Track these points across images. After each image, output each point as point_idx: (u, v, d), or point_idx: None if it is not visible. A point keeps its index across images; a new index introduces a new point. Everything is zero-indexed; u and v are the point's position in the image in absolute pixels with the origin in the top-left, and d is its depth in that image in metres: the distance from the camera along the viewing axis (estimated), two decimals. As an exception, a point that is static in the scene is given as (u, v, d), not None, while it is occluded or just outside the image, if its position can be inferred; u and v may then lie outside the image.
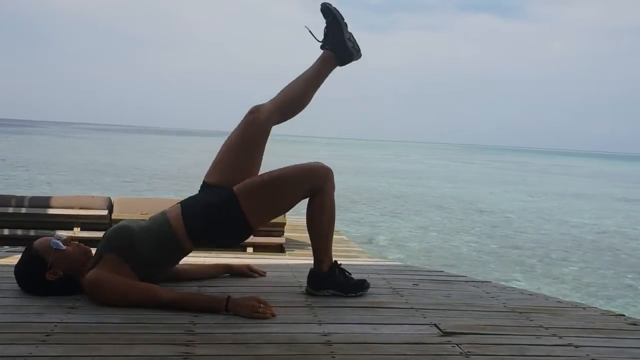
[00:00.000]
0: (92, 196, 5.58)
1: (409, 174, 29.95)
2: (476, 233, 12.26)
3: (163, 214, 2.30)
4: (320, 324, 2.02)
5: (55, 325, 1.89)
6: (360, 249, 6.05)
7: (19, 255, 2.30)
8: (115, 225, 2.28)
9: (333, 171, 2.36)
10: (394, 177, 27.21)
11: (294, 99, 2.42)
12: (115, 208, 5.23)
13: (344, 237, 6.69)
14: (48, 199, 5.35)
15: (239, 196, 2.22)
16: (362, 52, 2.47)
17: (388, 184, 23.08)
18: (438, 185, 23.57)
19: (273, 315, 2.07)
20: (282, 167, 2.31)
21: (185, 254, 2.29)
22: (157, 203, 5.49)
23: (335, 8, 2.44)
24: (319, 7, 2.47)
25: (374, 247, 9.73)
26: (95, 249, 2.24)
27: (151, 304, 2.10)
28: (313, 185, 2.28)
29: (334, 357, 1.71)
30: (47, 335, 1.79)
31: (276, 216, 2.40)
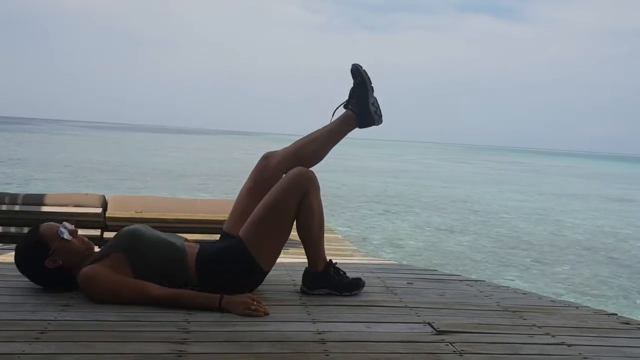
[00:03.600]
0: (86, 194, 5.55)
1: (404, 174, 29.99)
2: (470, 232, 12.29)
3: (182, 239, 2.33)
4: (314, 322, 2.02)
5: (50, 323, 1.88)
6: (355, 248, 6.05)
7: (12, 253, 2.29)
8: (131, 227, 2.27)
9: (316, 173, 2.36)
10: (389, 176, 27.24)
11: (307, 154, 2.45)
12: (109, 206, 5.22)
13: (339, 236, 6.70)
14: (42, 196, 5.33)
15: (244, 238, 2.26)
16: (383, 118, 2.49)
17: (383, 183, 23.10)
18: (433, 185, 23.62)
19: (266, 313, 2.07)
20: (267, 194, 2.31)
21: (185, 284, 2.24)
22: (152, 201, 5.49)
23: (365, 71, 2.46)
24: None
25: (369, 246, 9.75)
26: (97, 247, 2.24)
27: (144, 301, 2.10)
28: (301, 193, 2.29)
29: (327, 355, 1.72)
30: (41, 333, 1.79)
31: (283, 243, 2.36)
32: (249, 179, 2.44)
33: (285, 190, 2.28)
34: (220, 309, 2.08)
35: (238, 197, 2.45)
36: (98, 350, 1.67)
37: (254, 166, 2.47)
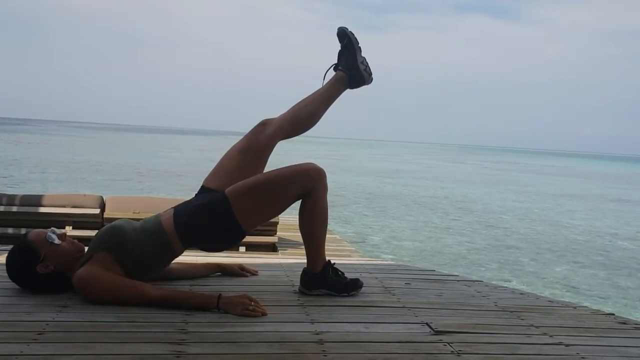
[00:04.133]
0: (84, 194, 5.55)
1: (402, 174, 30.00)
2: (468, 233, 12.30)
3: (156, 216, 2.31)
4: (312, 323, 2.02)
5: (47, 324, 1.88)
6: (353, 248, 6.06)
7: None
8: (108, 225, 2.28)
9: (326, 172, 2.36)
10: (387, 176, 27.25)
11: (303, 117, 2.45)
12: (107, 206, 5.22)
13: (337, 237, 6.70)
14: (40, 197, 5.32)
15: (230, 198, 2.22)
16: (373, 76, 2.50)
17: (382, 183, 23.11)
18: (431, 185, 23.63)
19: (264, 314, 2.07)
20: (274, 169, 2.31)
21: (176, 255, 2.29)
22: (150, 202, 5.49)
23: (351, 32, 2.48)
24: (340, 25, 2.50)
25: (367, 247, 9.75)
26: (87, 247, 2.23)
27: (141, 302, 2.09)
28: (305, 186, 2.28)
29: (325, 355, 1.72)
30: (39, 334, 1.79)
31: (269, 219, 2.39)
32: (242, 139, 2.41)
33: (293, 175, 2.27)
34: (218, 309, 2.08)
35: (227, 155, 2.40)
36: (96, 351, 1.67)
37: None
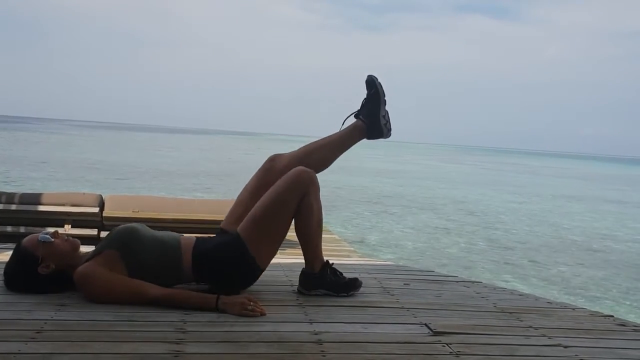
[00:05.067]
0: (84, 193, 5.55)
1: (401, 174, 30.01)
2: (467, 233, 12.30)
3: (178, 235, 2.32)
4: (311, 323, 2.02)
5: (46, 323, 1.88)
6: (352, 249, 6.06)
7: (9, 252, 2.29)
8: (127, 225, 2.27)
9: (323, 172, 2.36)
10: (386, 177, 27.26)
11: (315, 160, 2.45)
12: (106, 205, 5.21)
13: (336, 237, 6.70)
14: (39, 195, 5.32)
15: (242, 235, 2.25)
16: (392, 132, 2.51)
17: (381, 183, 23.11)
18: (430, 186, 23.63)
19: (263, 314, 2.07)
20: (267, 191, 2.30)
21: (180, 280, 2.26)
22: (149, 201, 5.49)
23: (380, 83, 2.48)
24: (365, 78, 2.49)
25: (366, 247, 9.75)
26: (91, 245, 2.23)
27: (140, 300, 2.09)
28: (300, 194, 2.29)
29: (324, 355, 1.72)
30: (37, 333, 1.78)
31: (281, 241, 2.37)
32: (253, 179, 2.44)
33: (286, 189, 2.27)
34: (217, 309, 2.08)
35: (240, 197, 2.44)
36: (94, 350, 1.66)
37: (258, 167, 2.46)
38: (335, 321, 2.06)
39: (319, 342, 1.82)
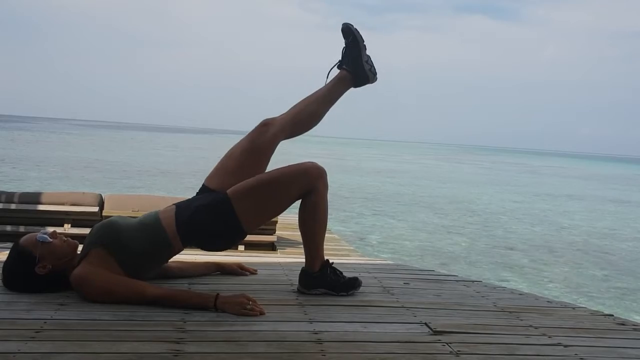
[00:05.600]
0: (83, 193, 5.55)
1: (401, 174, 30.01)
2: (467, 233, 12.30)
3: (156, 212, 2.29)
4: (311, 322, 2.02)
5: (45, 322, 1.88)
6: (352, 248, 6.07)
7: (8, 252, 2.28)
8: (105, 220, 2.27)
9: (326, 171, 2.35)
10: (386, 176, 27.26)
11: (305, 117, 2.43)
12: (106, 205, 5.22)
13: (336, 236, 6.70)
14: (38, 195, 5.32)
15: (232, 199, 2.21)
16: (377, 75, 2.48)
17: (380, 183, 23.11)
18: (430, 185, 23.64)
19: (262, 313, 2.06)
20: (275, 169, 2.30)
21: (174, 253, 2.28)
22: (148, 200, 5.48)
23: (356, 29, 2.45)
24: (340, 24, 2.47)
25: (366, 246, 9.75)
26: (82, 245, 2.23)
27: (139, 300, 2.09)
28: (306, 186, 2.27)
29: (324, 355, 1.72)
30: (37, 332, 1.78)
31: (270, 218, 2.38)
32: (244, 140, 2.38)
33: (294, 174, 2.26)
34: (216, 308, 2.08)
35: (228, 155, 2.38)
36: (94, 350, 1.66)
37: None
38: (335, 320, 2.06)
39: (319, 342, 1.82)
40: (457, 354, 1.77)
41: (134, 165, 23.66)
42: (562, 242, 12.15)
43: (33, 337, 1.73)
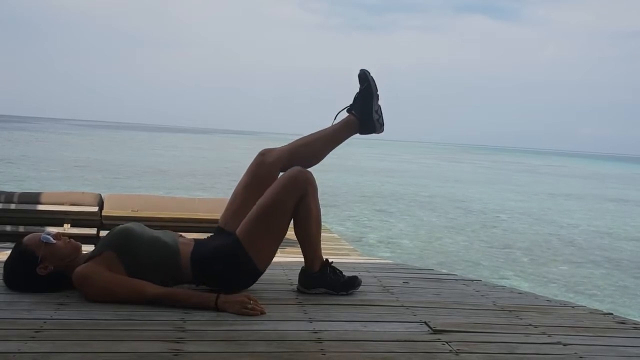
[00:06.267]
0: (83, 192, 5.55)
1: (401, 173, 30.01)
2: (467, 232, 12.31)
3: (175, 235, 2.32)
4: (310, 322, 2.02)
5: (45, 322, 1.88)
6: (351, 247, 6.06)
7: (8, 252, 2.29)
8: (123, 225, 2.26)
9: (320, 171, 2.35)
10: (385, 175, 27.26)
11: (306, 153, 2.43)
12: (105, 205, 5.21)
13: (335, 235, 6.70)
14: (38, 195, 5.32)
15: (242, 239, 2.24)
16: (385, 127, 2.49)
17: (380, 182, 23.11)
18: (429, 184, 23.64)
19: (263, 312, 2.07)
20: (265, 192, 2.30)
21: (180, 279, 2.26)
22: (148, 200, 5.48)
23: (372, 78, 2.45)
24: (358, 72, 2.46)
25: (365, 246, 9.75)
26: (90, 245, 2.23)
27: (139, 299, 2.09)
28: (298, 194, 2.28)
29: (324, 354, 1.72)
30: (37, 332, 1.78)
31: (279, 243, 2.35)
32: (245, 174, 2.43)
33: (283, 190, 2.27)
34: (217, 308, 2.08)
35: (234, 193, 2.43)
36: (94, 349, 1.66)
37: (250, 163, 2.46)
38: (334, 320, 2.06)
39: (319, 341, 1.82)
40: (457, 352, 1.77)
41: (134, 165, 23.65)
42: (562, 240, 12.15)
43: (33, 337, 1.74)
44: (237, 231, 2.28)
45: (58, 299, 2.12)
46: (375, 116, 2.45)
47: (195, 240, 2.33)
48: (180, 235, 2.35)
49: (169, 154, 33.66)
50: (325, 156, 2.50)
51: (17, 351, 1.62)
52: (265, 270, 2.34)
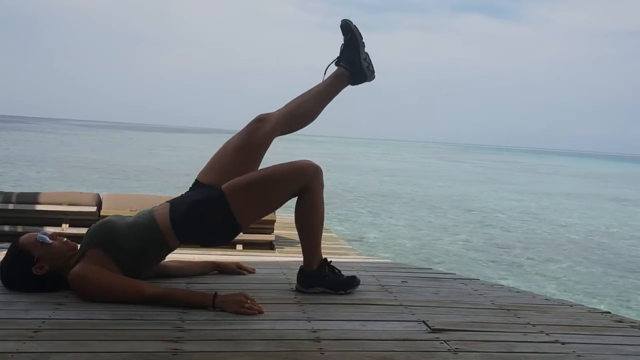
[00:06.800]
0: (81, 192, 5.55)
1: (400, 173, 30.02)
2: (465, 231, 12.32)
3: (150, 210, 2.29)
4: (309, 321, 2.02)
5: (44, 322, 1.88)
6: (350, 247, 6.07)
7: (5, 252, 2.28)
8: (101, 221, 2.27)
9: (322, 169, 2.35)
10: (384, 175, 27.27)
11: (301, 113, 2.42)
12: (104, 204, 5.21)
13: (334, 235, 6.71)
14: (36, 195, 5.32)
15: (227, 194, 2.21)
16: (375, 73, 2.46)
17: (378, 182, 23.12)
18: (428, 184, 23.65)
19: (261, 312, 2.07)
20: (271, 165, 2.30)
21: (170, 250, 2.28)
22: (146, 199, 5.48)
23: (355, 26, 2.43)
24: (339, 22, 2.45)
25: (363, 245, 9.76)
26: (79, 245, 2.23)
27: (137, 299, 2.09)
28: (302, 183, 2.27)
29: (322, 353, 1.72)
30: (35, 332, 1.78)
31: (265, 215, 2.39)
32: (238, 135, 2.37)
33: (289, 172, 2.26)
34: (214, 307, 2.08)
35: (222, 150, 2.37)
36: (92, 349, 1.66)
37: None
38: (333, 319, 2.06)
39: (317, 340, 1.82)
40: (455, 351, 1.78)
41: (133, 165, 23.63)
42: (560, 239, 12.17)
43: (31, 337, 1.74)
44: (224, 186, 2.22)
45: (56, 299, 2.12)
46: (365, 64, 2.42)
47: (170, 201, 2.29)
48: (155, 207, 2.30)
49: (167, 154, 33.64)
50: (320, 112, 2.47)
51: (15, 351, 1.62)
52: (243, 229, 2.29)
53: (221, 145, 2.40)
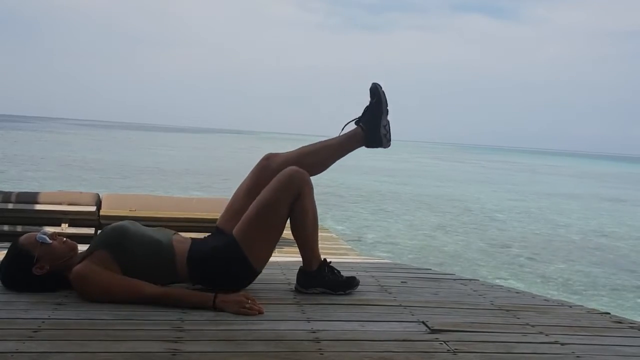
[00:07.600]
0: (81, 192, 5.54)
1: (399, 173, 30.02)
2: (464, 231, 12.32)
3: (172, 233, 2.31)
4: (308, 321, 2.02)
5: (43, 322, 1.88)
6: (349, 247, 6.06)
7: (4, 252, 2.28)
8: (115, 223, 2.26)
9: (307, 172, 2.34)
10: (384, 175, 27.26)
11: (310, 164, 2.42)
12: (103, 204, 5.21)
13: (333, 235, 6.70)
14: (36, 194, 5.31)
15: (239, 239, 2.25)
16: (391, 142, 2.49)
17: (378, 182, 23.12)
18: (428, 184, 23.66)
19: (261, 312, 2.07)
20: (262, 191, 2.30)
21: (177, 279, 2.26)
22: (146, 199, 5.48)
23: (383, 92, 2.46)
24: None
25: (363, 245, 9.76)
26: (88, 245, 2.23)
27: (137, 299, 2.09)
28: (294, 193, 2.28)
29: (322, 353, 1.72)
30: (35, 332, 1.78)
31: (276, 242, 2.35)
32: (248, 177, 2.43)
33: (279, 189, 2.27)
34: (215, 307, 2.08)
35: (235, 195, 2.43)
36: (91, 349, 1.66)
37: (254, 165, 2.46)
38: (332, 319, 2.06)
39: (317, 340, 1.82)
40: (455, 352, 1.78)
41: (132, 164, 23.62)
42: (559, 240, 12.17)
43: (31, 337, 1.74)
44: (234, 231, 2.28)
45: (56, 299, 2.12)
46: (383, 131, 2.45)
47: (193, 239, 2.33)
48: (176, 233, 2.35)
49: (167, 154, 33.63)
50: (330, 166, 2.50)
51: (15, 351, 1.62)
52: (262, 270, 2.34)
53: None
